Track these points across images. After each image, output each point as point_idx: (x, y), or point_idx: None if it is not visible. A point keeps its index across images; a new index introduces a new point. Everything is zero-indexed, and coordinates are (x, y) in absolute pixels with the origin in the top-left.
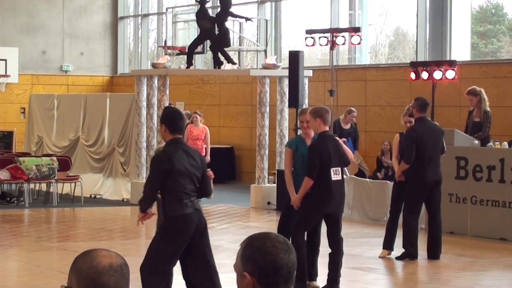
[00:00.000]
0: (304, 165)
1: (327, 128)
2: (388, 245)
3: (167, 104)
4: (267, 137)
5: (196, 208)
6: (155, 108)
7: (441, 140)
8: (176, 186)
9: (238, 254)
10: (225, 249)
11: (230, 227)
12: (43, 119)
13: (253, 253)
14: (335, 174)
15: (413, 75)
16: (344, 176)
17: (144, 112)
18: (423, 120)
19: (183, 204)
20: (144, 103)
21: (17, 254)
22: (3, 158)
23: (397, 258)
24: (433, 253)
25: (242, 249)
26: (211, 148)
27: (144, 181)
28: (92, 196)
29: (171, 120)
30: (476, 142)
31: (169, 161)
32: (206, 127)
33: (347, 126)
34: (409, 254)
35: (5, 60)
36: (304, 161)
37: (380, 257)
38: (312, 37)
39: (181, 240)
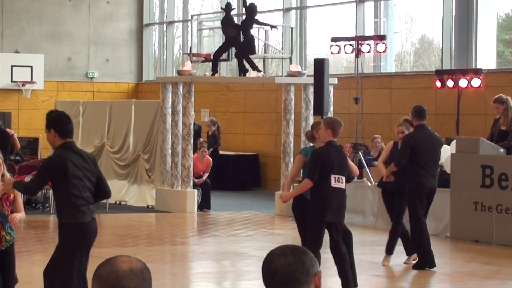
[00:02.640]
0: None
1: (335, 140)
2: (390, 250)
3: (192, 113)
4: (291, 145)
5: (93, 217)
6: (180, 115)
7: (439, 150)
8: (73, 191)
9: None
10: (249, 256)
11: (255, 235)
12: None
13: (261, 265)
14: (337, 181)
15: (438, 83)
16: (369, 184)
17: (169, 119)
18: (422, 127)
19: (81, 211)
20: (169, 110)
21: (43, 260)
22: (28, 164)
23: (414, 267)
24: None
25: None
26: (235, 155)
27: (169, 188)
28: (117, 202)
29: (59, 123)
30: (502, 150)
31: (62, 166)
32: (210, 158)
33: (376, 154)
34: (427, 262)
35: (31, 66)
36: None
37: (384, 264)
38: (337, 45)
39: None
